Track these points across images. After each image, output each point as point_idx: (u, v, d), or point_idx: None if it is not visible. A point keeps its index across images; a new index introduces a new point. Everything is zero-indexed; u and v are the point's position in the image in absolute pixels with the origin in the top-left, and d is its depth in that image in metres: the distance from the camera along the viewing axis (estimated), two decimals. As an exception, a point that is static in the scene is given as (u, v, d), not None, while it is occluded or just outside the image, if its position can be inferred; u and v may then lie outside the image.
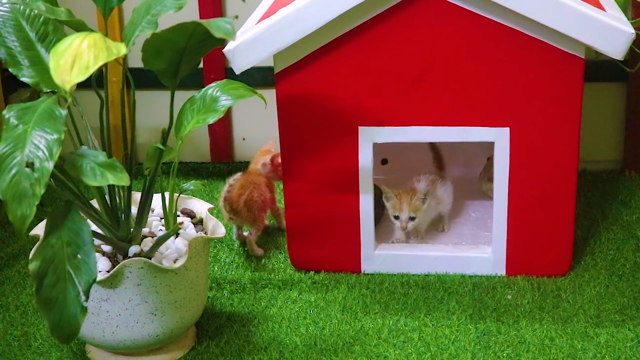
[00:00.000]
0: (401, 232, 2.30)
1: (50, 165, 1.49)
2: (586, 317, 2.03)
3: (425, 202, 2.25)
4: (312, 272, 2.26)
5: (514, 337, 1.96)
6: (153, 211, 2.08)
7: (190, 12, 2.73)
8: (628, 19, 2.52)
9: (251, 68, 2.10)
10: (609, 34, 1.92)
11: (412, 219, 2.24)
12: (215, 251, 2.39)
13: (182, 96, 1.98)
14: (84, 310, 1.54)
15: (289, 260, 2.30)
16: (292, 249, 2.27)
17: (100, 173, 1.58)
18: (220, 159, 2.94)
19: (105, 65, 1.79)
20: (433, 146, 2.47)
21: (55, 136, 1.52)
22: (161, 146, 1.77)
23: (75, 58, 1.41)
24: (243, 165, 2.91)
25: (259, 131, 2.89)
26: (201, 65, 2.81)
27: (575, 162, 2.10)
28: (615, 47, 1.94)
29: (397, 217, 2.26)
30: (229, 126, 2.91)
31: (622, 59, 1.99)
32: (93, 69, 1.41)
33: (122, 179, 1.56)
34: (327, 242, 2.24)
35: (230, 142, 2.94)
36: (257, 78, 2.74)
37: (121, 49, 1.44)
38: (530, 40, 2.00)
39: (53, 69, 1.41)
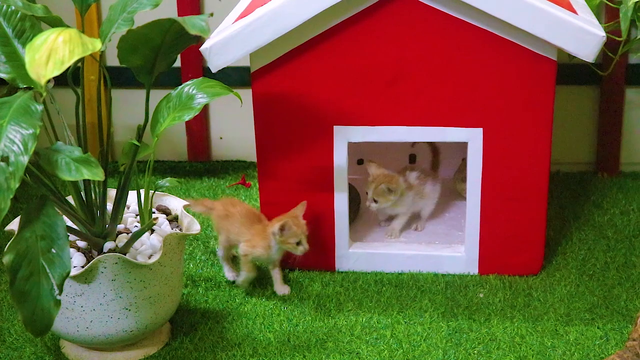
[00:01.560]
0: (383, 215, 2.39)
1: (25, 159, 1.50)
2: (556, 315, 2.05)
3: (391, 195, 2.28)
4: (286, 270, 2.27)
5: (485, 335, 1.99)
6: (129, 208, 2.09)
7: (169, 10, 2.75)
8: (601, 23, 2.57)
9: (228, 67, 2.11)
10: (580, 36, 1.95)
11: (375, 201, 2.29)
12: (191, 248, 2.40)
13: (160, 95, 1.99)
14: (58, 303, 1.55)
15: (264, 258, 2.31)
16: (267, 246, 2.28)
17: (75, 168, 1.59)
18: (198, 158, 2.95)
19: (82, 62, 1.81)
20: (433, 146, 2.50)
21: (31, 131, 1.53)
22: (136, 142, 1.78)
23: (50, 53, 1.42)
24: (220, 164, 2.93)
25: (236, 130, 2.90)
26: (179, 64, 2.82)
27: (547, 163, 2.13)
28: (586, 49, 1.97)
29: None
30: (206, 125, 2.93)
31: (593, 62, 2.02)
32: (68, 63, 1.42)
33: (97, 174, 1.57)
34: (302, 240, 2.25)
35: (207, 141, 2.95)
36: (234, 77, 2.75)
37: (96, 45, 1.45)
38: (503, 42, 2.03)
39: (28, 63, 1.43)
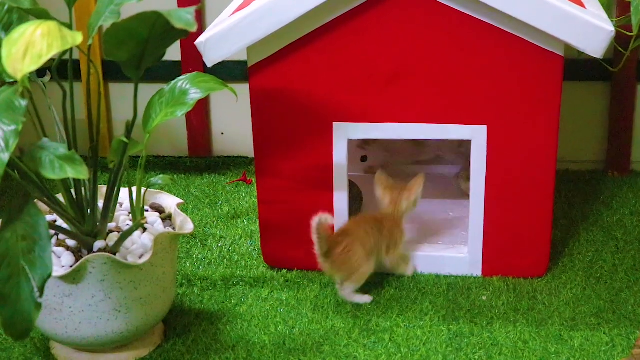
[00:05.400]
0: None
1: (6, 156, 1.45)
2: (561, 319, 1.99)
3: None
4: (284, 270, 2.22)
5: (486, 339, 1.93)
6: (122, 206, 2.04)
7: (169, 3, 2.70)
8: (612, 18, 2.50)
9: (229, 61, 2.06)
10: (588, 31, 1.88)
11: None
12: (187, 247, 2.35)
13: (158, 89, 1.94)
14: (38, 306, 1.50)
15: (262, 257, 2.26)
16: (265, 246, 2.23)
17: (59, 166, 1.53)
18: (198, 154, 2.90)
19: (70, 54, 1.75)
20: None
21: (13, 127, 1.47)
22: (125, 139, 1.73)
23: (28, 46, 1.36)
24: (221, 160, 2.88)
25: (237, 126, 2.85)
26: (179, 57, 2.77)
27: (553, 162, 2.06)
28: (594, 45, 1.90)
29: None
30: (207, 120, 2.87)
31: (601, 58, 1.95)
32: (46, 58, 1.36)
33: (81, 172, 1.52)
34: (300, 240, 2.18)
35: (208, 137, 2.89)
36: (235, 72, 2.70)
37: (77, 38, 1.39)
38: (508, 37, 1.96)
39: (5, 57, 1.37)
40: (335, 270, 2.04)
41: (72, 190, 1.84)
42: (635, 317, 1.99)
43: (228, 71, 2.67)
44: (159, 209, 2.02)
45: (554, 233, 2.33)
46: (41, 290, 1.50)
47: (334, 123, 2.08)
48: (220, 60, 2.01)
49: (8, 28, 1.74)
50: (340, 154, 2.11)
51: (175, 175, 2.80)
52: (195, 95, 1.82)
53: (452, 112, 2.04)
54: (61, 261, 1.81)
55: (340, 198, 2.15)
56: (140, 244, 1.87)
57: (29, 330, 1.51)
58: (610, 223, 2.42)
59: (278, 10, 1.95)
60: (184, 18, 1.45)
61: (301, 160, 2.13)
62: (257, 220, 2.44)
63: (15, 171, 1.71)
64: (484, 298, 2.08)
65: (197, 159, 2.89)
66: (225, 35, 1.98)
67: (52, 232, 1.86)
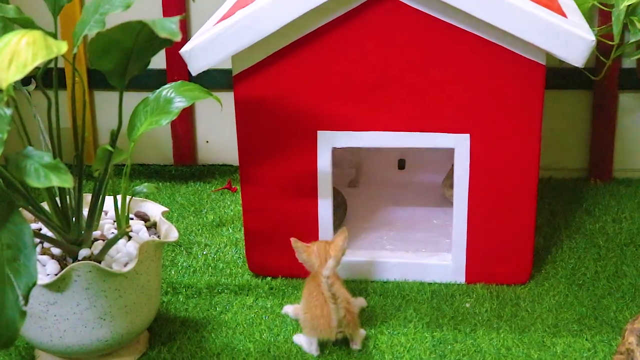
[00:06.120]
0: None
1: (-10, 165, 1.45)
2: (544, 326, 2.00)
3: None
4: (269, 278, 2.22)
5: (470, 346, 1.94)
6: (107, 214, 2.04)
7: (155, 11, 2.71)
8: (594, 27, 2.52)
9: (214, 70, 2.06)
10: (569, 40, 1.90)
11: None
12: (172, 255, 2.36)
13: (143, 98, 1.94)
14: (23, 314, 1.50)
15: (246, 265, 2.26)
16: (250, 254, 2.23)
17: (44, 174, 1.54)
18: (184, 162, 2.90)
19: (55, 63, 1.76)
20: None
21: (-2, 136, 1.48)
22: (110, 148, 1.73)
23: (13, 56, 1.37)
24: (206, 169, 2.88)
25: (222, 134, 2.86)
26: (164, 66, 2.78)
27: (536, 170, 2.08)
28: (575, 54, 1.92)
29: None
30: (192, 129, 2.88)
31: (583, 66, 1.97)
32: (31, 67, 1.37)
33: (65, 181, 1.52)
34: (285, 248, 2.19)
35: (193, 145, 2.90)
36: (220, 80, 2.71)
37: (62, 47, 1.40)
38: (491, 46, 1.98)
39: (-10, 66, 1.38)
40: (352, 328, 1.92)
41: (57, 199, 1.85)
42: (617, 323, 2.00)
43: (213, 80, 2.68)
44: (143, 217, 2.02)
45: (537, 240, 2.35)
46: (26, 298, 1.50)
47: (318, 132, 2.09)
48: (204, 68, 2.02)
49: (-7, 37, 1.74)
50: (324, 162, 2.12)
51: (160, 184, 2.81)
52: (180, 103, 1.83)
53: (435, 121, 2.05)
54: (46, 269, 1.81)
55: (325, 206, 2.16)
56: (125, 252, 1.88)
57: (13, 339, 1.51)
58: (593, 230, 2.44)
59: (262, 19, 1.96)
60: (168, 27, 1.46)
61: (286, 168, 2.14)
62: (242, 228, 2.45)
63: (0, 179, 1.71)
64: (468, 305, 2.10)
65: (182, 167, 2.89)
66: (209, 44, 1.99)
67: (37, 240, 1.86)
